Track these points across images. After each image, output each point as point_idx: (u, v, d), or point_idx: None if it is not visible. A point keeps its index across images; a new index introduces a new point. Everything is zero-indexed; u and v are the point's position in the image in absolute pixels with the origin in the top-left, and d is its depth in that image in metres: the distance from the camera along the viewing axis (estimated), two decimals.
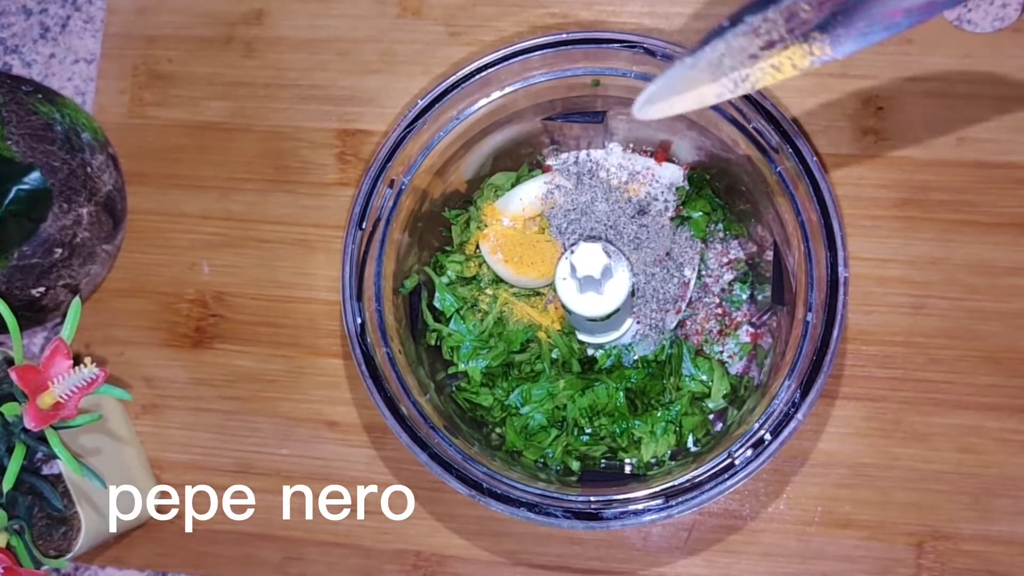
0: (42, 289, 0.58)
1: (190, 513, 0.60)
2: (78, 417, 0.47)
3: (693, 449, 0.53)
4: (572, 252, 0.48)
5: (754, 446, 0.46)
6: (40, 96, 0.60)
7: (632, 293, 0.51)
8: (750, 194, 0.52)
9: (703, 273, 0.56)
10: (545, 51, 0.50)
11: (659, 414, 0.53)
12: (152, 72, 0.64)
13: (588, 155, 0.56)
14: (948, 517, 0.54)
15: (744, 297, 0.56)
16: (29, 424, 0.45)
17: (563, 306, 0.51)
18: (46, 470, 0.54)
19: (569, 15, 0.60)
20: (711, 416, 0.54)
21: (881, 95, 0.58)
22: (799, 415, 0.46)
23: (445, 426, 0.50)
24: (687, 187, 0.56)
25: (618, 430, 0.53)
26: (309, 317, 0.60)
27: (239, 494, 0.58)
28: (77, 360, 0.46)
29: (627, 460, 0.54)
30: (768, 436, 0.46)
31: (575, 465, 0.54)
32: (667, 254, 0.54)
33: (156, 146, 0.63)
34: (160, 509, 0.60)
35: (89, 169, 0.59)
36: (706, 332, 0.55)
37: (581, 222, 0.54)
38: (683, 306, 0.54)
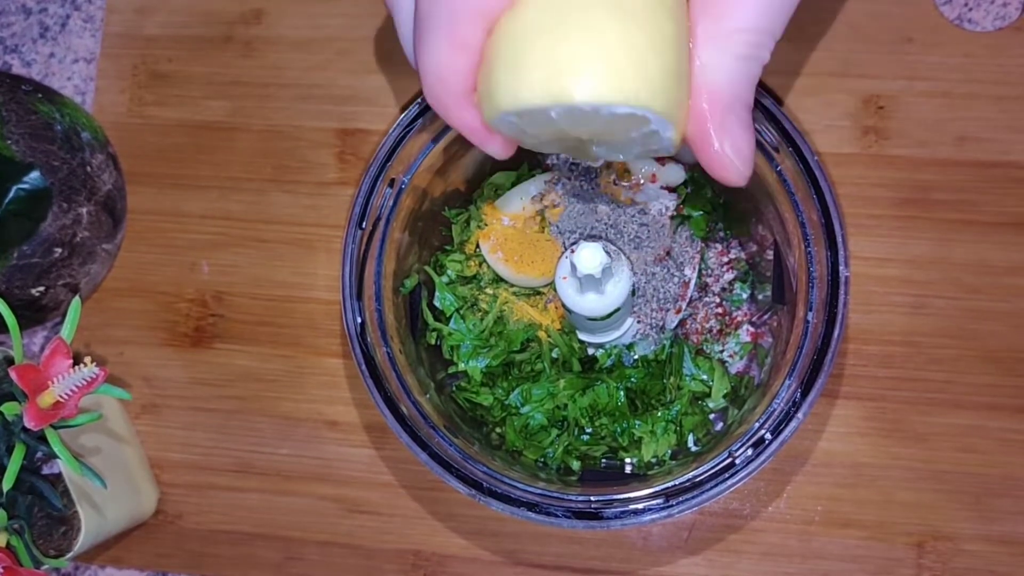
0: (42, 288, 0.58)
1: (190, 513, 0.60)
2: (78, 417, 0.47)
3: (694, 449, 0.53)
4: (572, 251, 0.48)
5: (755, 445, 0.46)
6: (40, 95, 0.60)
7: (632, 292, 0.51)
8: (750, 193, 0.52)
9: (703, 272, 0.56)
10: None
11: (659, 414, 0.53)
12: (151, 72, 0.64)
13: None
14: (949, 517, 0.54)
15: (744, 296, 0.56)
16: (29, 423, 0.45)
17: (563, 305, 0.51)
18: (46, 470, 0.54)
19: None
20: (711, 416, 0.54)
21: (882, 94, 0.58)
22: (800, 414, 0.46)
23: (445, 426, 0.50)
24: (687, 187, 0.56)
25: (619, 430, 0.53)
26: (309, 317, 0.60)
27: (239, 498, 0.58)
28: (77, 360, 0.46)
29: (627, 460, 0.54)
30: (769, 435, 0.46)
31: (575, 465, 0.54)
32: (667, 253, 0.54)
33: (156, 146, 0.63)
34: (160, 509, 0.60)
35: (89, 169, 0.59)
36: (706, 331, 0.55)
37: (581, 221, 0.54)
38: (683, 305, 0.54)
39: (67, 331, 0.48)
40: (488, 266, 0.56)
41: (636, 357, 0.55)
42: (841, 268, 0.46)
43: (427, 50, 0.31)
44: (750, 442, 0.46)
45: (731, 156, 0.32)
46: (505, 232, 0.55)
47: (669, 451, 0.53)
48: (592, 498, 0.47)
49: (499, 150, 0.34)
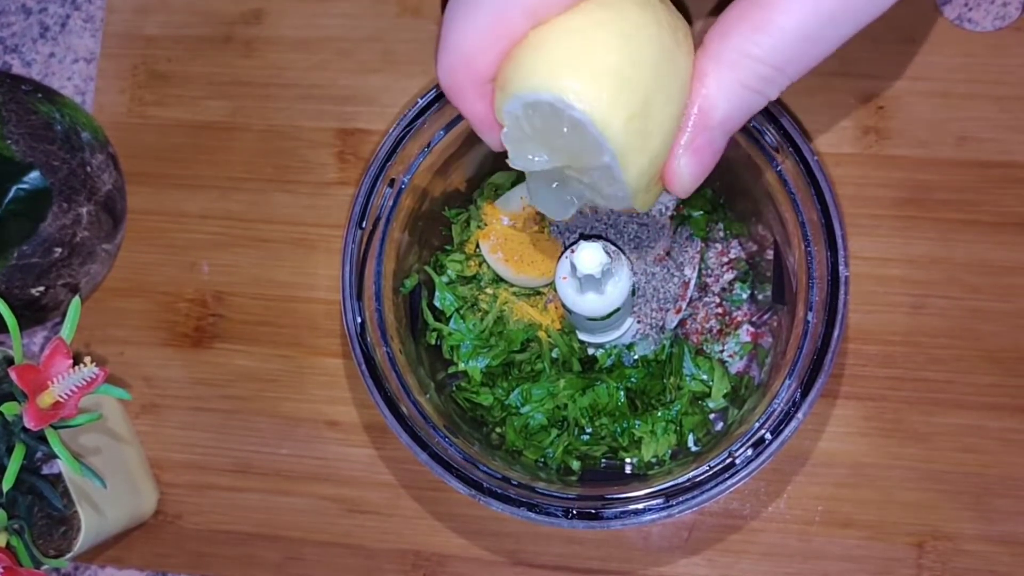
0: (42, 288, 0.58)
1: (190, 513, 0.60)
2: (78, 417, 0.47)
3: (694, 449, 0.53)
4: (572, 251, 0.48)
5: (755, 445, 0.46)
6: (40, 95, 0.60)
7: (632, 292, 0.51)
8: (750, 193, 0.52)
9: (703, 272, 0.56)
10: None
11: (659, 414, 0.53)
12: (151, 71, 0.64)
13: None
14: (949, 517, 0.54)
15: (744, 296, 0.56)
16: (29, 424, 0.45)
17: (563, 305, 0.51)
18: (46, 470, 0.54)
19: None
20: (712, 416, 0.54)
21: (882, 94, 0.58)
22: (800, 414, 0.46)
23: (445, 426, 0.50)
24: None
25: (619, 430, 0.53)
26: (309, 317, 0.60)
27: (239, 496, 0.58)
28: (77, 359, 0.46)
29: (627, 460, 0.54)
30: (769, 435, 0.46)
31: (575, 465, 0.54)
32: (667, 253, 0.54)
33: (156, 146, 0.63)
34: (160, 509, 0.60)
35: (89, 168, 0.59)
36: (706, 331, 0.55)
37: (581, 221, 0.54)
38: (683, 305, 0.54)
39: (67, 331, 0.48)
40: (488, 266, 0.56)
41: (636, 357, 0.55)
42: (841, 268, 0.46)
43: (461, 28, 0.31)
44: (750, 442, 0.46)
45: (683, 174, 0.32)
46: (505, 232, 0.55)
47: (669, 451, 0.53)
48: (592, 498, 0.47)
49: (497, 142, 0.35)
